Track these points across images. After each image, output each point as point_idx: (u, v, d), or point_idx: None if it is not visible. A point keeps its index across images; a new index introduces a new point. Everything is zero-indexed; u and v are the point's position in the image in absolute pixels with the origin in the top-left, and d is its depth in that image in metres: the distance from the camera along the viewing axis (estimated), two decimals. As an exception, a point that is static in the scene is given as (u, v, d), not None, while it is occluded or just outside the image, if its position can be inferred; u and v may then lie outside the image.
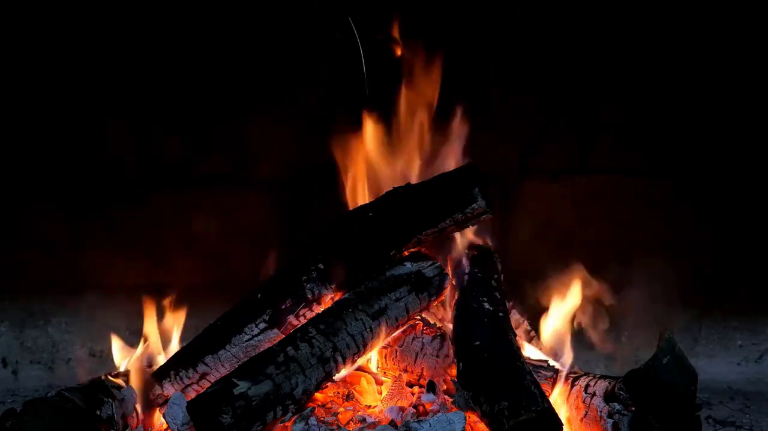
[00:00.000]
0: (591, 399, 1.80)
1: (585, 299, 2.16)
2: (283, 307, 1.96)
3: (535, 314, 2.24)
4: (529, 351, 2.14)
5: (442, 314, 2.14)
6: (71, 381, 2.04)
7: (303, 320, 1.95)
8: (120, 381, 1.96)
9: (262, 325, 1.95)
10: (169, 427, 1.81)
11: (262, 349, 1.86)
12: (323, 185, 2.37)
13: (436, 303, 2.07)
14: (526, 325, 2.23)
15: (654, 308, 2.61)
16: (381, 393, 1.96)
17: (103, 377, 1.97)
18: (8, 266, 2.77)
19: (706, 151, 2.85)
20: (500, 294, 2.07)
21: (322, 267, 1.97)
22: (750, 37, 2.77)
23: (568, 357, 2.04)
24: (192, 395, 1.87)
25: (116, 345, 2.16)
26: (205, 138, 2.81)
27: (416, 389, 1.98)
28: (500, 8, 2.75)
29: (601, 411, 1.73)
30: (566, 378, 1.93)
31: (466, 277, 2.11)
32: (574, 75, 2.81)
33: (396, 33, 2.37)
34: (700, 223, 2.88)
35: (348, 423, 1.80)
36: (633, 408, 1.67)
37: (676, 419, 1.64)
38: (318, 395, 1.87)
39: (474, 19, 2.77)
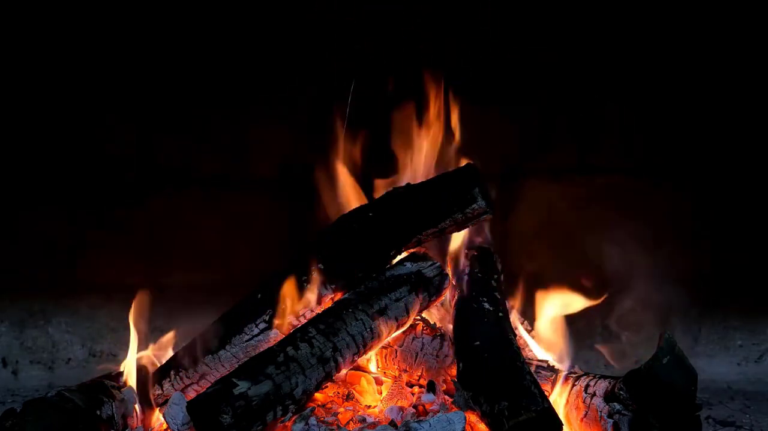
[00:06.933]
0: (591, 399, 1.80)
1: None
2: (283, 307, 1.96)
3: (534, 313, 2.24)
4: (529, 351, 2.14)
5: (442, 314, 2.14)
6: (71, 381, 2.04)
7: (303, 321, 1.95)
8: (123, 379, 1.97)
9: (262, 325, 1.95)
10: (169, 427, 1.81)
11: (262, 349, 1.87)
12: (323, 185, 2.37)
13: (436, 303, 2.07)
14: (526, 325, 2.23)
15: (654, 308, 2.61)
16: (381, 393, 1.96)
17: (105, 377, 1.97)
18: (8, 266, 2.77)
19: (706, 151, 2.85)
20: (500, 294, 2.07)
21: (322, 267, 1.97)
22: (751, 37, 2.77)
23: (567, 356, 2.04)
24: (192, 395, 1.87)
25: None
26: (205, 138, 2.81)
27: (416, 389, 1.98)
28: (500, 8, 2.75)
29: (601, 411, 1.73)
30: (566, 378, 1.93)
31: (466, 277, 2.11)
32: (574, 75, 2.81)
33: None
34: (699, 223, 2.88)
35: (348, 423, 1.80)
36: (633, 408, 1.67)
37: (676, 419, 1.64)
38: (318, 395, 1.87)
39: (474, 19, 2.77)
